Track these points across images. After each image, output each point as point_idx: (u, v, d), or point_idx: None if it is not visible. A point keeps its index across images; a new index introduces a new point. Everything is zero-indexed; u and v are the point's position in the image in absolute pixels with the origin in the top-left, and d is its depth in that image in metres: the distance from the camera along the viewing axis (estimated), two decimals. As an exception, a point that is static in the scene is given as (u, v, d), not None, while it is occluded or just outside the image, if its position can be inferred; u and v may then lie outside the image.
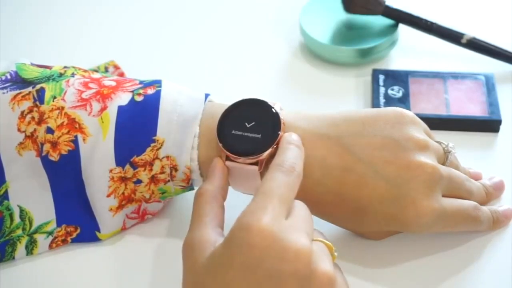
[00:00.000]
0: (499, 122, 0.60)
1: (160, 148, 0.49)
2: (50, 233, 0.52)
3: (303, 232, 0.40)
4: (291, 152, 0.45)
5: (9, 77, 0.51)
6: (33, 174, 0.51)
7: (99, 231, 0.52)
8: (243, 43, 0.71)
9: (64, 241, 0.52)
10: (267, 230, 0.39)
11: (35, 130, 0.50)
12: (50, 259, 0.52)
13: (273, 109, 0.49)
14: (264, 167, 0.48)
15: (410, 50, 0.69)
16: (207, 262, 0.41)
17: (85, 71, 0.53)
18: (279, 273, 0.39)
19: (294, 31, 0.71)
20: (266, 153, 0.47)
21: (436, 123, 0.58)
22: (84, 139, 0.49)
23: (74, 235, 0.52)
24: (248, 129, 0.48)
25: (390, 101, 0.62)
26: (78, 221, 0.52)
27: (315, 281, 0.39)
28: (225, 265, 0.39)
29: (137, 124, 0.49)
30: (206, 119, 0.50)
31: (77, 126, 0.49)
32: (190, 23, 0.74)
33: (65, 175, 0.50)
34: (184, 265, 0.43)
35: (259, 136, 0.48)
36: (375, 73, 0.64)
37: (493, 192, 0.54)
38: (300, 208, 0.43)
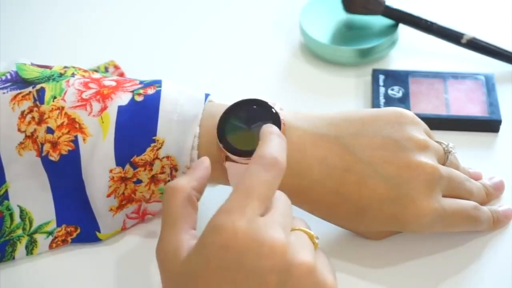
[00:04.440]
0: (499, 122, 0.60)
1: (160, 148, 0.49)
2: (50, 233, 0.52)
3: (277, 226, 0.39)
4: (273, 142, 0.43)
5: (9, 77, 0.51)
6: (33, 174, 0.51)
7: (99, 231, 0.52)
8: (243, 43, 0.71)
9: (64, 241, 0.52)
10: (241, 232, 0.38)
11: (35, 130, 0.50)
12: (50, 259, 0.52)
13: (273, 109, 0.49)
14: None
15: (410, 50, 0.69)
16: (185, 269, 0.40)
17: (85, 71, 0.53)
18: (257, 271, 0.38)
19: (294, 31, 0.71)
20: (266, 153, 0.47)
21: (436, 123, 0.58)
22: (84, 139, 0.49)
23: (74, 235, 0.52)
24: (248, 129, 0.48)
25: (390, 101, 0.62)
26: (78, 221, 0.52)
27: (294, 272, 0.39)
28: (202, 269, 0.39)
29: (137, 124, 0.49)
30: (206, 119, 0.50)
31: (77, 126, 0.49)
32: (190, 23, 0.74)
33: (65, 175, 0.50)
34: (161, 274, 0.42)
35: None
36: (375, 73, 0.64)
37: (493, 192, 0.54)
38: (279, 200, 0.42)
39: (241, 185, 0.40)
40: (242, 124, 0.49)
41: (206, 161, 0.46)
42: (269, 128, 0.44)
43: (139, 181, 0.50)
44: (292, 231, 0.41)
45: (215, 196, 0.47)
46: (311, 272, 0.39)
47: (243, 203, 0.39)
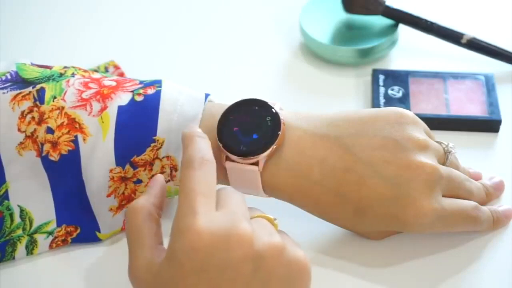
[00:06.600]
0: (499, 122, 0.60)
1: (160, 148, 0.49)
2: (50, 233, 0.52)
3: (238, 216, 0.40)
4: (195, 144, 0.44)
5: (9, 77, 0.51)
6: (33, 174, 0.51)
7: (99, 231, 0.52)
8: (243, 43, 0.71)
9: (64, 241, 0.52)
10: (204, 230, 0.39)
11: (35, 130, 0.50)
12: (50, 259, 0.52)
13: (273, 109, 0.49)
14: (264, 167, 0.48)
15: (410, 50, 0.69)
16: (159, 279, 0.40)
17: (85, 71, 0.53)
18: (230, 264, 0.39)
19: (294, 31, 0.71)
20: (266, 153, 0.48)
21: (436, 123, 0.58)
22: (84, 139, 0.49)
23: (74, 235, 0.52)
24: (248, 129, 0.48)
25: (390, 101, 0.62)
26: (78, 221, 0.52)
27: (266, 255, 0.39)
28: (177, 276, 0.39)
29: (137, 124, 0.49)
30: (206, 119, 0.50)
31: (77, 126, 0.49)
32: (190, 23, 0.74)
33: (65, 175, 0.50)
34: None
35: (259, 136, 0.48)
36: (375, 73, 0.64)
37: (493, 192, 0.54)
38: (229, 193, 0.42)
39: (181, 192, 0.41)
40: (242, 124, 0.49)
41: (160, 177, 0.46)
42: (187, 133, 0.45)
43: (139, 181, 0.50)
44: (252, 219, 0.41)
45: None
46: (282, 252, 0.40)
47: (190, 204, 0.40)
